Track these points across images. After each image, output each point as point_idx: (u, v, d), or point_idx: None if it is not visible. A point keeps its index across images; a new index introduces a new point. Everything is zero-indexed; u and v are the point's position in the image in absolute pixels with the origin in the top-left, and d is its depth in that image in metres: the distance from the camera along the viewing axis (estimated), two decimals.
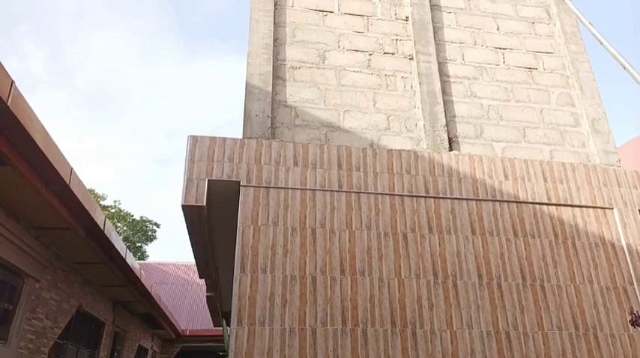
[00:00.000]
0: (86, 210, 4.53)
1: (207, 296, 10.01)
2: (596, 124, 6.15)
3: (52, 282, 5.55)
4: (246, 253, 4.62)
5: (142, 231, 27.59)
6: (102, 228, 5.02)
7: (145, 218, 27.77)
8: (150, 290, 8.36)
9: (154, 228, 28.52)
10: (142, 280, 7.61)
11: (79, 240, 5.17)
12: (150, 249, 31.67)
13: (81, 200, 4.29)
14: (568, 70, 6.54)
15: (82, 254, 5.75)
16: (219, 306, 11.25)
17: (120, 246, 5.91)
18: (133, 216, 27.10)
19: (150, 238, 28.27)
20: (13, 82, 2.87)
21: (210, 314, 11.91)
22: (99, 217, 4.91)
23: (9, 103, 2.84)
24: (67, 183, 3.97)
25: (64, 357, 6.53)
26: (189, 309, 19.42)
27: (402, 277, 4.79)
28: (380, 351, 4.44)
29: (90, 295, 7.15)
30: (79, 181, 4.25)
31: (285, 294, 4.51)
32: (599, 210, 5.55)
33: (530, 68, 6.45)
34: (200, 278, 8.06)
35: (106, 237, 5.31)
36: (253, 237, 4.71)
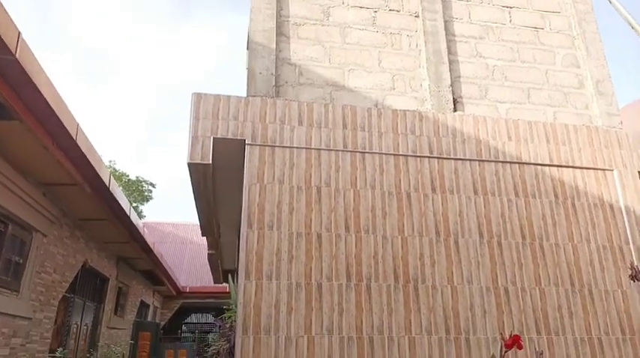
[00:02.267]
0: (92, 166, 4.54)
1: (208, 254, 10.20)
2: (600, 86, 6.13)
3: (58, 238, 5.62)
4: (252, 210, 4.68)
5: (137, 191, 27.62)
6: (107, 184, 5.04)
7: (140, 178, 27.74)
8: (152, 248, 8.49)
9: (150, 188, 28.54)
10: (144, 237, 7.71)
11: (84, 196, 5.21)
12: (146, 209, 31.75)
13: (87, 156, 4.29)
14: (574, 30, 6.45)
15: (88, 210, 5.80)
16: (220, 264, 11.48)
17: (124, 202, 5.96)
18: (128, 176, 27.06)
19: (146, 198, 28.33)
20: (20, 33, 2.80)
21: (211, 272, 12.16)
22: (104, 173, 4.92)
23: (17, 55, 2.79)
24: (74, 138, 3.96)
25: (72, 310, 6.70)
26: (188, 267, 19.80)
27: (405, 235, 4.89)
28: (383, 305, 4.59)
29: (94, 251, 7.26)
30: (85, 137, 4.24)
31: (292, 250, 4.61)
32: (599, 171, 5.62)
33: (536, 28, 6.36)
34: (202, 235, 8.19)
35: (111, 194, 5.34)
36: (259, 195, 4.76)
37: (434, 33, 5.92)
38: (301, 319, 4.40)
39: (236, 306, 5.46)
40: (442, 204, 5.09)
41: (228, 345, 4.63)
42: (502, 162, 5.41)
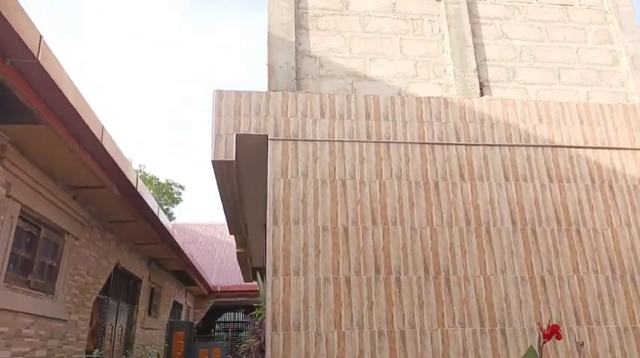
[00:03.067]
0: (119, 168, 4.58)
1: (237, 253, 10.26)
2: (636, 61, 5.83)
3: (90, 240, 5.73)
4: (277, 206, 4.64)
5: (167, 194, 28.13)
6: (135, 185, 5.10)
7: (170, 181, 28.25)
8: (182, 248, 8.58)
9: (179, 190, 29.03)
10: (174, 237, 7.80)
11: (113, 198, 5.28)
12: (176, 211, 32.31)
13: (113, 157, 4.34)
14: (606, 4, 6.15)
15: (117, 212, 5.88)
16: (249, 262, 11.54)
17: (152, 203, 6.02)
18: (158, 179, 27.58)
19: (176, 200, 28.83)
20: (41, 36, 2.83)
21: (241, 271, 12.24)
22: (131, 175, 4.97)
23: (39, 58, 2.82)
24: (100, 140, 4.00)
25: (106, 311, 6.83)
26: (218, 267, 20.02)
27: (434, 225, 4.76)
28: (414, 297, 4.48)
29: (126, 253, 7.39)
30: (111, 139, 4.28)
31: (318, 245, 4.55)
32: (638, 151, 5.34)
33: (565, 5, 6.09)
34: (230, 234, 8.22)
35: (139, 195, 5.40)
36: (284, 189, 4.71)
37: (457, 16, 5.74)
38: (330, 314, 4.34)
39: (265, 303, 5.45)
40: (472, 193, 4.93)
41: (258, 342, 4.61)
42: (534, 146, 5.21)
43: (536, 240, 4.84)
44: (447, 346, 4.37)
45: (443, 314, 4.46)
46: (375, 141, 5.00)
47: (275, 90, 5.13)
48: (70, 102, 3.33)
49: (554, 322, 4.59)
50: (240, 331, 22.42)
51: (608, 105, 5.47)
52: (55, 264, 4.83)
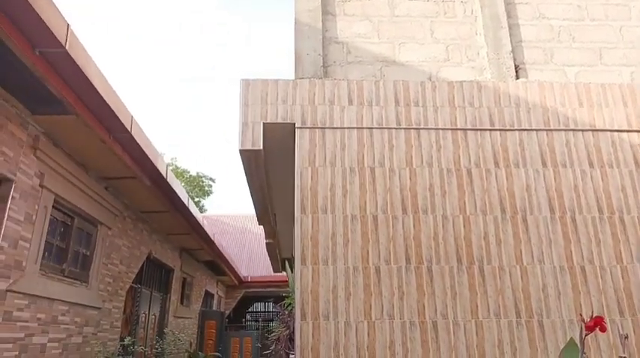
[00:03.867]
0: (149, 159, 4.62)
1: (266, 243, 10.30)
2: None
3: (122, 230, 5.83)
4: (305, 194, 4.58)
5: (198, 187, 28.57)
6: (165, 176, 5.14)
7: (200, 173, 28.67)
8: (213, 238, 8.67)
9: (210, 182, 29.43)
10: (204, 228, 7.88)
11: (144, 189, 5.33)
12: (207, 203, 32.84)
13: (143, 148, 4.37)
14: None
15: (148, 203, 5.96)
16: (278, 252, 11.58)
17: (182, 194, 6.07)
18: (189, 172, 28.03)
19: (206, 193, 29.25)
20: (68, 25, 2.83)
21: (270, 261, 12.32)
22: (161, 165, 5.01)
23: (67, 48, 2.83)
24: (130, 130, 4.03)
25: (140, 300, 6.97)
26: (248, 257, 20.24)
27: (467, 214, 4.60)
28: (446, 288, 4.35)
29: (158, 243, 7.51)
30: (140, 129, 4.31)
31: (347, 233, 4.47)
32: None
33: None
34: (259, 225, 8.24)
35: (169, 185, 5.44)
36: (312, 178, 4.64)
37: None
38: (360, 304, 4.26)
39: (294, 293, 5.43)
40: (507, 179, 4.74)
41: (287, 331, 4.59)
42: (573, 130, 4.96)
43: (576, 229, 4.62)
44: (481, 337, 4.23)
45: (477, 305, 4.32)
46: (405, 128, 4.86)
47: (302, 78, 5.05)
48: (98, 92, 3.35)
49: (596, 313, 4.38)
50: (270, 321, 22.68)
51: None
52: (88, 253, 4.93)
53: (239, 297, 18.62)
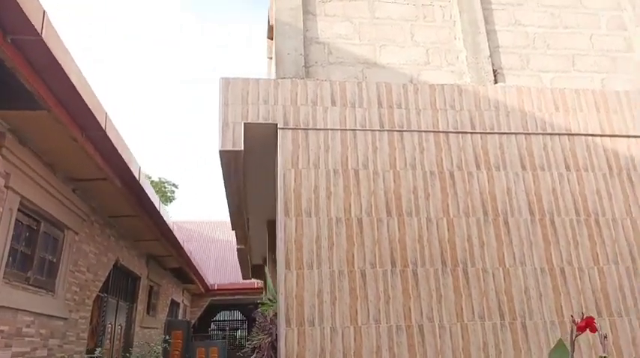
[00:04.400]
0: (122, 159, 4.36)
1: (237, 249, 10.06)
2: None
3: (89, 235, 5.50)
4: (289, 197, 4.45)
5: (160, 193, 27.74)
6: (137, 178, 4.88)
7: (163, 179, 27.85)
8: (182, 244, 8.36)
9: (173, 188, 28.63)
10: (174, 233, 7.58)
11: (114, 191, 5.05)
12: (170, 209, 31.92)
13: (117, 148, 4.12)
14: None
15: (118, 207, 5.66)
16: (249, 259, 11.33)
17: (154, 197, 5.80)
18: (151, 177, 27.19)
19: (169, 199, 28.44)
20: (45, 11, 2.59)
21: (240, 268, 12.04)
22: (134, 166, 4.75)
23: (43, 35, 2.59)
24: (104, 128, 3.78)
25: (106, 310, 6.60)
26: (214, 265, 19.77)
27: (451, 216, 4.60)
28: (432, 290, 4.32)
29: (125, 249, 7.16)
30: (114, 127, 4.06)
31: (332, 236, 4.37)
32: None
33: None
34: (232, 229, 8.02)
35: (142, 188, 5.18)
36: (295, 180, 4.52)
37: (469, 2, 5.57)
38: (346, 308, 4.16)
39: (274, 298, 5.26)
40: (488, 182, 4.77)
41: (269, 339, 4.42)
42: (550, 134, 5.06)
43: (555, 231, 4.70)
44: (467, 340, 4.22)
45: (462, 308, 4.31)
46: (388, 130, 4.82)
47: (283, 78, 4.93)
48: (74, 86, 3.10)
49: (575, 315, 4.45)
50: (236, 330, 22.23)
51: (624, 92, 5.34)
52: (55, 260, 4.60)
53: (205, 306, 18.13)
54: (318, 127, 4.73)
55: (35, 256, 4.19)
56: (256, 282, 16.69)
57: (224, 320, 22.44)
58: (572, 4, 5.85)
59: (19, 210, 3.79)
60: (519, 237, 4.62)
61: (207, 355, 13.86)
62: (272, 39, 9.95)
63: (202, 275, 13.62)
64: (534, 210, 4.74)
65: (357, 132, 4.77)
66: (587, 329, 2.48)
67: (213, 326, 21.85)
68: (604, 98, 5.28)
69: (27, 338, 3.96)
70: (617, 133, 5.15)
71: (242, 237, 9.18)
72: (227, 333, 19.77)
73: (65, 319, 4.79)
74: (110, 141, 3.96)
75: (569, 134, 5.09)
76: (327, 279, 4.23)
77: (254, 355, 4.45)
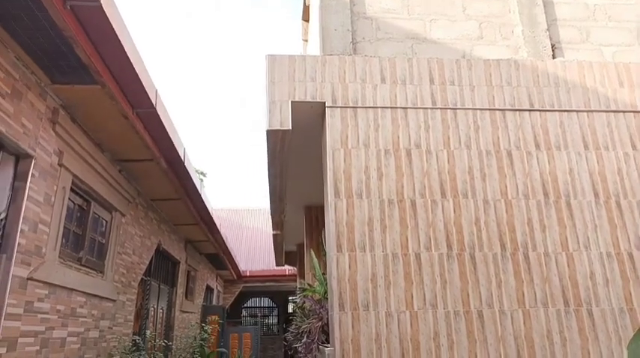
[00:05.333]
0: (170, 139, 4.27)
1: (273, 235, 10.00)
2: None
3: (135, 218, 5.47)
4: (338, 177, 4.29)
5: None
6: (182, 159, 4.80)
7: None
8: (220, 229, 8.34)
9: (201, 177, 28.91)
10: (213, 218, 7.55)
11: (160, 173, 4.98)
12: None
13: (165, 126, 4.03)
14: None
15: (161, 189, 5.61)
16: (283, 245, 11.27)
17: (196, 180, 5.74)
18: None
19: None
20: None
21: (275, 253, 12.00)
22: (180, 147, 4.67)
23: (101, 1, 2.47)
24: (154, 105, 3.69)
25: (149, 293, 6.63)
26: (246, 252, 19.86)
27: (509, 198, 4.36)
28: (490, 276, 4.11)
29: (166, 233, 7.15)
30: (163, 105, 3.96)
31: (384, 219, 4.20)
32: None
33: None
34: (271, 214, 7.93)
35: (186, 170, 5.10)
36: (344, 160, 4.35)
37: None
38: (401, 293, 4.00)
39: (326, 282, 5.14)
40: (549, 162, 4.51)
41: (320, 323, 4.30)
42: (614, 111, 4.74)
43: (622, 214, 4.41)
44: (529, 327, 4.00)
45: (523, 294, 4.09)
46: (440, 108, 4.60)
47: (330, 55, 4.75)
48: (129, 59, 2.99)
49: None
50: (266, 316, 22.38)
51: None
52: (104, 242, 4.58)
53: (237, 292, 18.25)
54: (367, 105, 4.54)
55: (86, 236, 4.17)
56: (287, 269, 16.70)
57: (254, 307, 22.62)
58: None
59: (71, 189, 3.75)
60: (583, 220, 4.35)
61: (241, 340, 13.98)
62: (307, 20, 9.77)
63: (236, 261, 13.67)
64: (599, 191, 4.46)
65: (409, 110, 4.57)
66: None
67: (244, 312, 22.05)
68: None
69: (81, 319, 3.94)
70: None
71: (278, 223, 9.09)
72: (259, 320, 19.90)
73: (114, 301, 4.78)
74: (160, 119, 3.87)
75: (635, 111, 4.76)
76: (380, 263, 4.07)
77: (304, 339, 4.34)
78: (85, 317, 4.01)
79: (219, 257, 11.30)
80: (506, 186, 4.40)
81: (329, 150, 4.39)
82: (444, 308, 4.00)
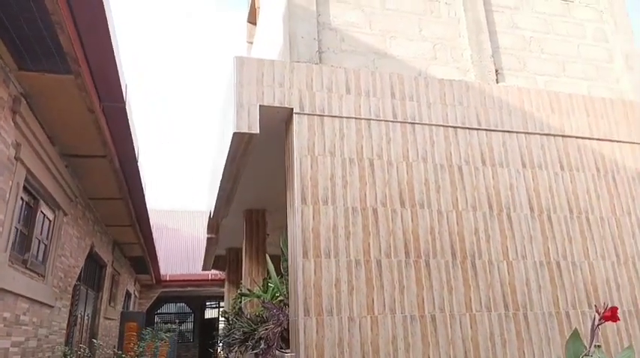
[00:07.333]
0: (130, 136, 4.03)
1: (208, 238, 9.70)
2: (629, 61, 6.13)
3: (74, 218, 5.05)
4: (305, 184, 4.34)
5: None
6: (137, 158, 4.53)
7: None
8: (153, 231, 7.95)
9: None
10: (149, 219, 7.18)
11: (107, 171, 4.67)
12: None
13: (130, 123, 3.78)
14: (601, 4, 6.42)
15: (103, 188, 5.24)
16: (215, 250, 10.95)
17: (144, 179, 5.44)
18: None
19: None
20: None
21: (205, 258, 11.63)
22: (137, 145, 4.41)
23: None
24: (124, 99, 3.45)
25: (78, 299, 6.13)
26: (164, 255, 19.00)
27: (460, 209, 4.70)
28: (443, 282, 4.40)
29: (98, 235, 6.67)
30: (129, 102, 3.72)
31: (348, 226, 4.32)
32: (635, 145, 5.63)
33: (565, 0, 6.28)
34: (212, 218, 7.69)
35: (138, 169, 4.83)
36: (311, 167, 4.42)
37: (472, 1, 5.71)
38: (363, 298, 4.14)
39: (278, 287, 5.13)
40: (493, 178, 4.93)
41: (279, 329, 4.30)
42: (547, 134, 5.31)
43: (552, 227, 4.94)
44: (475, 330, 4.34)
45: (470, 299, 4.42)
46: (400, 122, 4.84)
47: (298, 62, 4.80)
48: (113, 50, 2.79)
49: (569, 306, 4.73)
50: (182, 323, 21.54)
51: (609, 99, 5.70)
52: (46, 243, 4.17)
53: (154, 298, 17.39)
54: (333, 114, 4.65)
55: (32, 237, 3.78)
56: (211, 274, 16.23)
57: (169, 313, 21.70)
58: (561, 13, 6.16)
59: (23, 185, 3.39)
60: (521, 232, 4.81)
61: (157, 348, 13.35)
62: (253, 23, 9.69)
63: (159, 265, 13.04)
64: (534, 206, 4.95)
65: (372, 121, 4.75)
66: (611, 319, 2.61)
67: (157, 318, 21.04)
68: (592, 103, 5.61)
69: (23, 327, 3.56)
70: (603, 137, 5.49)
71: (214, 226, 8.86)
72: (176, 326, 19.10)
73: (52, 307, 4.37)
74: (126, 115, 3.64)
75: (563, 135, 5.36)
76: (344, 269, 4.18)
77: (261, 346, 4.31)
78: (27, 325, 3.63)
79: (144, 260, 10.72)
80: (457, 199, 4.73)
81: (296, 156, 4.42)
82: (402, 313, 4.20)
